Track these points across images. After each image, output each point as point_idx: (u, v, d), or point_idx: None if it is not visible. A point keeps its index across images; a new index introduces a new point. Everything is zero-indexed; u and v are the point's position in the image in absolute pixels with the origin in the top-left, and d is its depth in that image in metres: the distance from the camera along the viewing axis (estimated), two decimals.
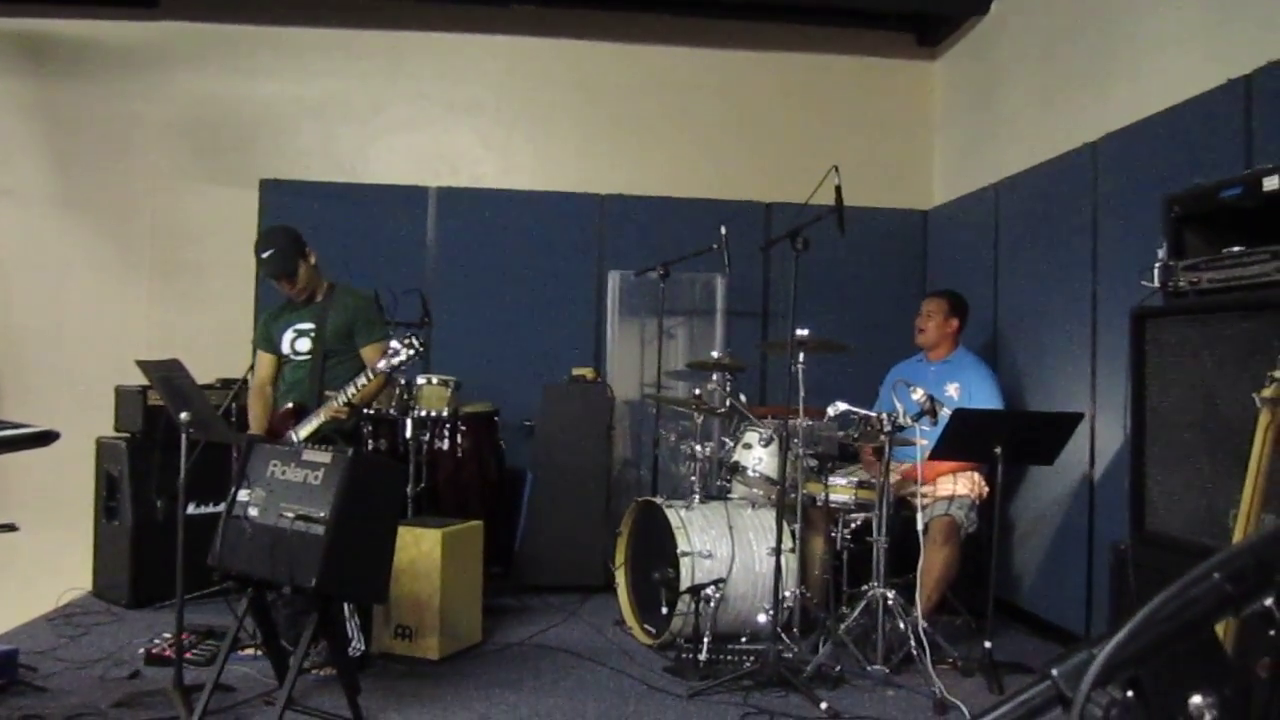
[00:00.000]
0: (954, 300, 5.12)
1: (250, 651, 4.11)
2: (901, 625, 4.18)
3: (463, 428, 5.28)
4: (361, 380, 3.88)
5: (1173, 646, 0.65)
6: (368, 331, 4.25)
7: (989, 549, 4.30)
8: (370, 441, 4.77)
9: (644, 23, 6.66)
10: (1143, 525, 3.35)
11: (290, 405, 4.16)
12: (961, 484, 4.73)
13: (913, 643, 4.09)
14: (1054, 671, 0.67)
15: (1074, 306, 4.81)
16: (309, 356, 4.24)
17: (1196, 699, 0.65)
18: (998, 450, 4.11)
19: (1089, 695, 0.64)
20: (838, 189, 4.26)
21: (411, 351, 3.70)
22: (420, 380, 5.18)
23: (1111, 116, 4.65)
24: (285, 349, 4.31)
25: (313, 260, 4.29)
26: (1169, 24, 4.43)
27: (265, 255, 4.18)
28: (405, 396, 5.07)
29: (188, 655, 3.98)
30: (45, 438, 3.12)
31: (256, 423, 4.36)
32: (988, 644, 4.12)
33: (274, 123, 6.47)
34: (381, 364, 3.77)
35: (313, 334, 4.24)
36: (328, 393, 4.05)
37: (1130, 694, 0.65)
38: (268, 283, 5.56)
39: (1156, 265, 3.36)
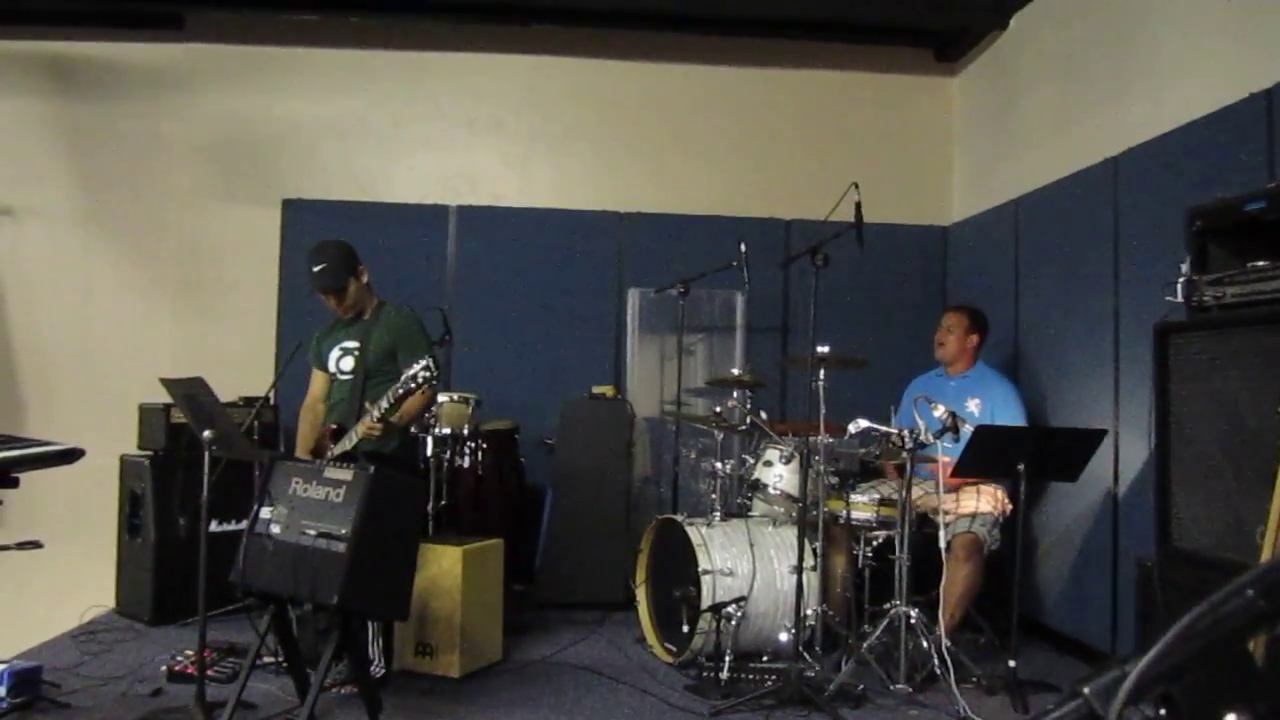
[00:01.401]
0: (974, 315, 5.10)
1: (270, 661, 4.11)
2: (924, 643, 4.15)
3: (483, 445, 5.29)
4: (385, 403, 3.72)
5: (1205, 663, 0.64)
6: (410, 352, 4.08)
7: (1012, 566, 4.27)
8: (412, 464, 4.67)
9: (662, 42, 6.69)
10: (1169, 541, 3.32)
11: (333, 426, 4.10)
12: (984, 501, 4.71)
13: (936, 661, 4.06)
14: (1085, 689, 0.66)
15: (1096, 321, 4.78)
16: (352, 376, 4.20)
17: (1230, 716, 0.64)
18: (1020, 467, 4.09)
19: (1121, 713, 0.63)
20: (857, 205, 4.26)
21: (427, 374, 3.56)
22: (441, 398, 5.19)
23: (1133, 131, 4.63)
24: (332, 367, 4.27)
25: (365, 279, 4.23)
26: (1190, 38, 4.42)
27: (316, 269, 4.11)
28: (426, 414, 5.08)
29: (210, 672, 3.99)
30: (70, 455, 3.14)
31: (303, 440, 4.33)
32: (1012, 662, 4.08)
33: (296, 143, 6.52)
34: (406, 374, 3.63)
35: (356, 353, 4.20)
36: (369, 406, 3.91)
37: (1163, 711, 0.64)
38: (295, 301, 5.61)
39: (1180, 279, 3.34)
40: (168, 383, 3.84)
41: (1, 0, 6.08)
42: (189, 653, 4.21)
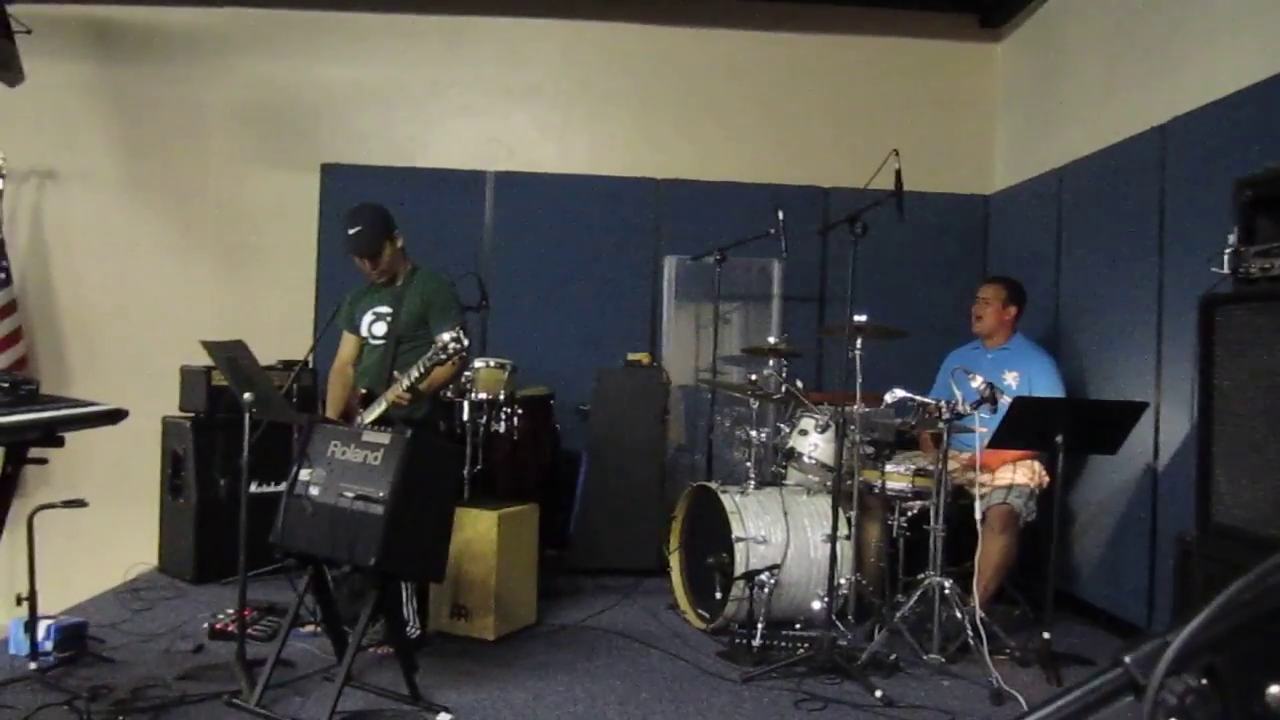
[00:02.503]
0: (1012, 287, 5.05)
1: (310, 629, 4.19)
2: (958, 614, 4.14)
3: (519, 411, 5.31)
4: (416, 371, 3.74)
5: (1251, 634, 0.64)
6: (442, 318, 4.10)
7: (1048, 539, 4.24)
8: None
9: (701, 6, 6.63)
10: (1209, 517, 3.28)
11: (363, 391, 4.13)
12: (1021, 473, 4.68)
13: (969, 632, 4.05)
14: (1127, 658, 0.65)
15: (1139, 293, 4.71)
16: (384, 341, 4.21)
17: (1275, 689, 0.63)
18: (1059, 439, 4.05)
19: (1163, 682, 0.62)
20: (897, 173, 4.21)
21: (457, 345, 3.55)
22: (478, 364, 5.21)
23: (1180, 99, 4.54)
24: (364, 331, 4.30)
25: (399, 243, 4.23)
26: (1240, 4, 4.31)
27: (351, 233, 4.11)
28: (462, 379, 5.11)
29: (250, 631, 4.06)
30: (113, 416, 3.18)
31: (334, 403, 4.38)
32: (1046, 635, 4.06)
33: (335, 107, 6.54)
34: (436, 345, 3.64)
35: (389, 318, 4.22)
36: (398, 375, 3.94)
37: (1205, 682, 0.64)
38: (333, 265, 5.65)
39: (1227, 251, 3.29)
40: (209, 345, 3.88)
41: None
42: (229, 611, 4.29)
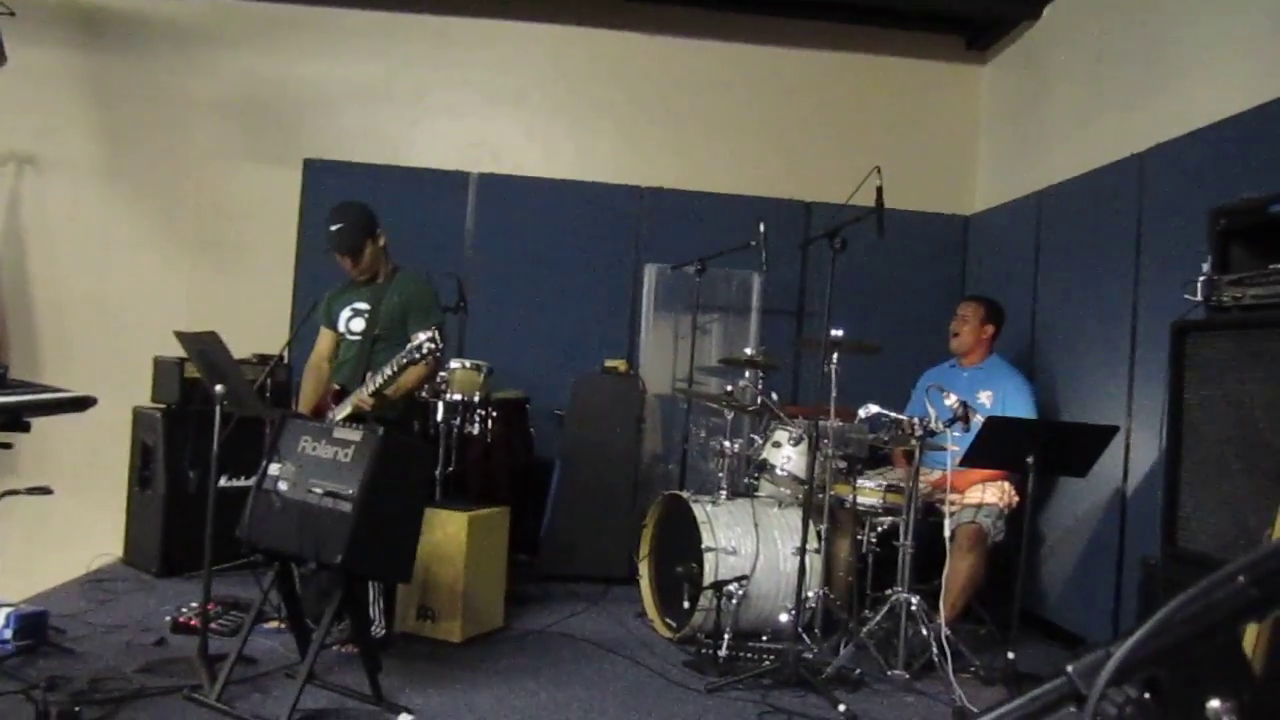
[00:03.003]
0: (990, 306, 5.08)
1: (274, 625, 4.16)
2: (924, 631, 4.15)
3: (493, 413, 5.31)
4: (389, 370, 3.71)
5: (1193, 649, 0.64)
6: (421, 319, 4.06)
7: (1016, 559, 4.26)
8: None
9: (690, 17, 6.65)
10: (1175, 541, 3.31)
11: (336, 387, 4.12)
12: (990, 492, 4.70)
13: (935, 649, 4.06)
14: (1069, 668, 0.66)
15: (1114, 318, 4.75)
16: (361, 337, 4.20)
17: (1214, 703, 0.64)
18: (1029, 460, 4.06)
19: (1104, 693, 0.63)
20: (879, 190, 4.23)
21: (432, 345, 3.53)
22: (453, 364, 5.20)
23: (1159, 128, 4.59)
24: (342, 327, 4.29)
25: (381, 242, 4.23)
26: (1221, 36, 4.37)
27: (334, 229, 4.11)
28: (437, 379, 5.09)
29: (213, 626, 4.03)
30: (82, 403, 3.16)
31: (306, 399, 4.36)
32: (1011, 654, 4.06)
33: (319, 103, 6.52)
34: (410, 344, 3.61)
35: (367, 314, 4.21)
36: (369, 375, 3.90)
37: (1147, 695, 0.64)
38: (312, 261, 5.63)
39: (1200, 279, 3.32)
40: (182, 336, 3.85)
41: None
42: (193, 605, 4.25)
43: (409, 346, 3.59)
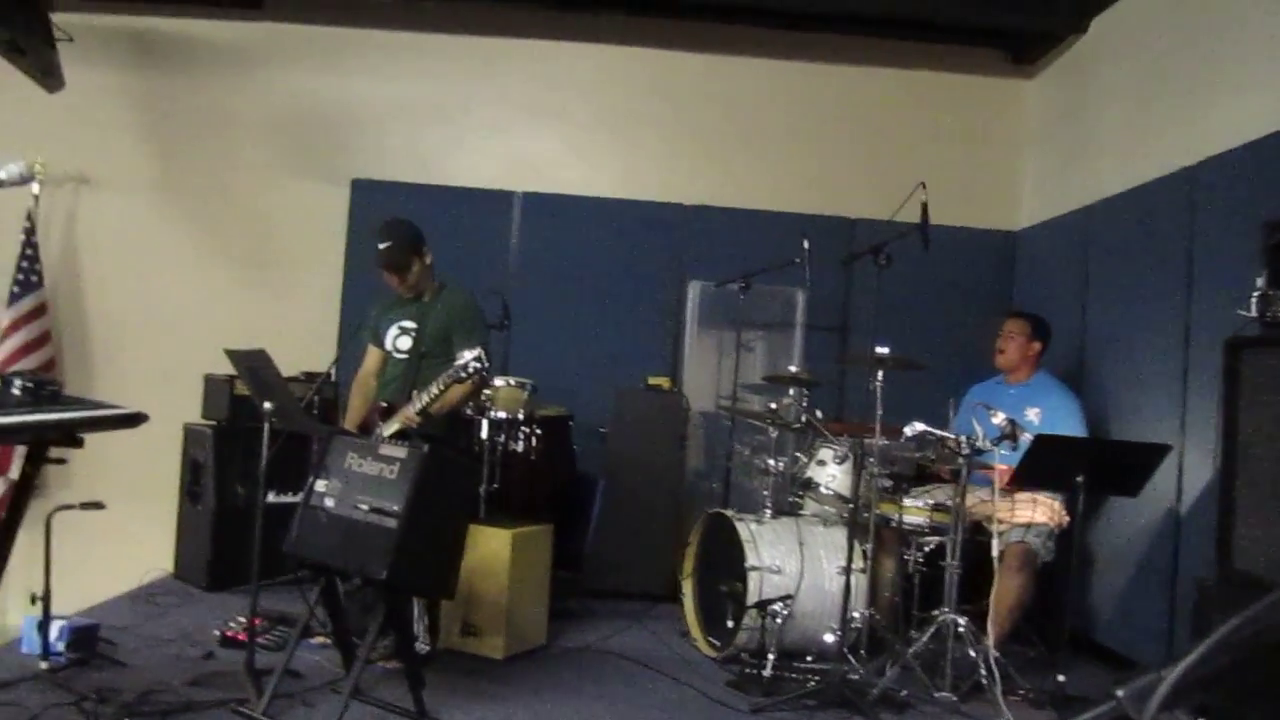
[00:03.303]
0: (1036, 322, 5.02)
1: (320, 640, 4.19)
2: (972, 653, 4.09)
3: (537, 430, 5.32)
4: (435, 389, 3.74)
5: (1244, 673, 0.62)
6: (466, 336, 4.09)
7: (1066, 579, 4.19)
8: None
9: (732, 35, 6.66)
10: (1229, 563, 3.24)
11: (384, 404, 4.16)
12: (1040, 511, 4.63)
13: (982, 671, 4.00)
14: (1119, 692, 0.64)
15: (1166, 335, 4.67)
16: (408, 355, 4.23)
17: None
18: (1079, 479, 4.00)
19: (1156, 718, 0.61)
20: (924, 205, 4.21)
21: (478, 365, 3.57)
22: (498, 382, 5.22)
23: (1210, 141, 4.52)
24: (389, 345, 4.33)
25: (428, 260, 4.28)
26: (1272, 46, 4.29)
27: (382, 246, 4.17)
28: (482, 397, 5.11)
29: (260, 640, 4.07)
30: (133, 419, 3.20)
31: (353, 414, 4.41)
32: (1060, 677, 4.00)
33: (366, 123, 6.61)
34: (456, 363, 3.66)
35: (414, 332, 4.24)
36: (416, 393, 3.93)
37: None
38: (359, 279, 5.68)
39: (1255, 294, 3.26)
40: (232, 354, 3.91)
41: None
42: (241, 620, 4.29)
43: (455, 365, 3.61)
